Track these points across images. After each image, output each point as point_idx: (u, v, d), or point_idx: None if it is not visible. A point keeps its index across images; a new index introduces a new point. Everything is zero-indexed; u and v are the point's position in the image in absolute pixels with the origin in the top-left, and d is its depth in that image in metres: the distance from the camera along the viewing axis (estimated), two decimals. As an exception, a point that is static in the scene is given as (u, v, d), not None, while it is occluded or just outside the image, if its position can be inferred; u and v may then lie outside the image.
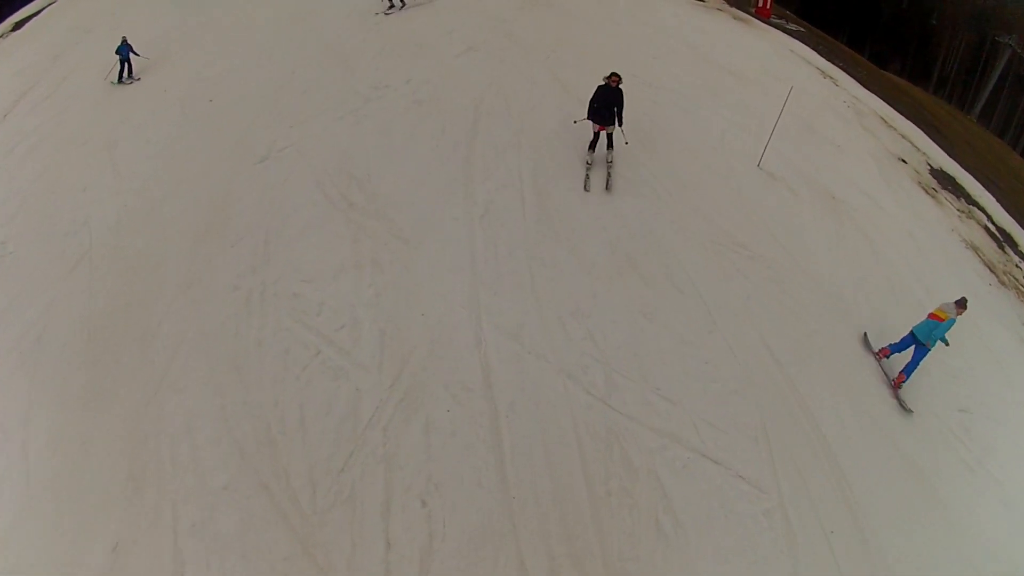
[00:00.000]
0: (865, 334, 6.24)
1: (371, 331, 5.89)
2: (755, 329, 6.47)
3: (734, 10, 16.11)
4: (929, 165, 12.82)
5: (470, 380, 5.55)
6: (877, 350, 6.10)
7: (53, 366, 6.32)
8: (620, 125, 8.09)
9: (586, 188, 8.03)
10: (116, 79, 11.10)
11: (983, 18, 34.72)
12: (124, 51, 11.11)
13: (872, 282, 7.60)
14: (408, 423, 5.25)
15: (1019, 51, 31.48)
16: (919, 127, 14.32)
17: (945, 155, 13.78)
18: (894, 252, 8.87)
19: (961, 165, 13.76)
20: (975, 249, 10.69)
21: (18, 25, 14.42)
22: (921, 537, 5.15)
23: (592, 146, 8.35)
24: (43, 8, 14.77)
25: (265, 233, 7.09)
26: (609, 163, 8.25)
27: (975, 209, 12.37)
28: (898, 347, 5.97)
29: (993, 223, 12.22)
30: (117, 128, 9.59)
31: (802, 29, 17.26)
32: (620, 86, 7.92)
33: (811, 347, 6.57)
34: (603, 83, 8.06)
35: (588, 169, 8.19)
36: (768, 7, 16.81)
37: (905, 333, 6.17)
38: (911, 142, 13.31)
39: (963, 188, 12.87)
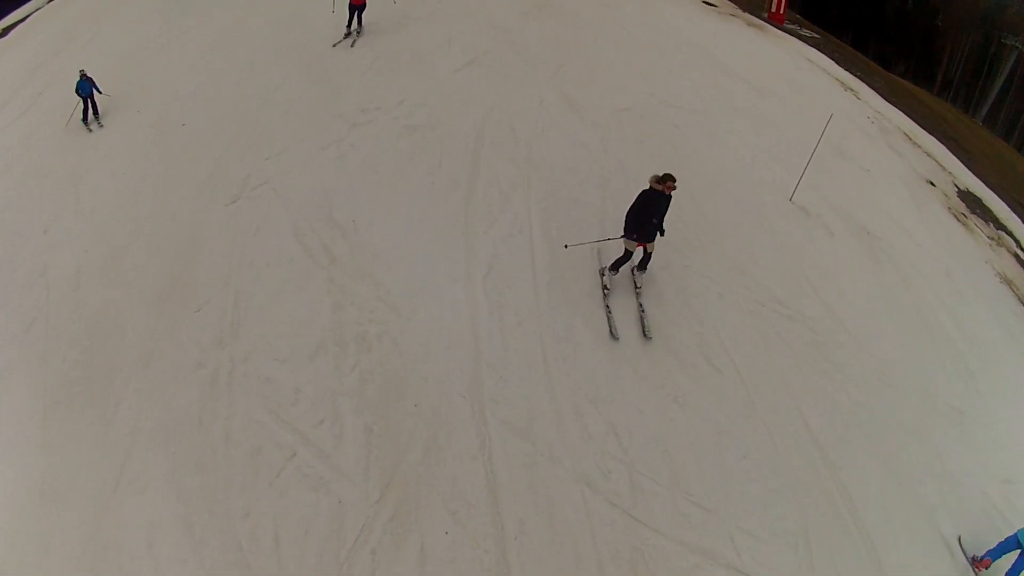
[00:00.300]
0: (959, 538, 5.25)
1: (355, 428, 5.06)
2: (796, 407, 5.70)
3: (747, 16, 15.19)
4: (956, 187, 12.12)
5: (472, 492, 4.75)
6: (971, 557, 5.18)
7: (8, 445, 5.50)
8: (663, 235, 6.22)
9: (613, 335, 5.98)
10: (82, 119, 9.58)
11: (989, 20, 33.92)
12: (85, 88, 9.49)
13: (912, 335, 6.86)
14: (399, 548, 4.46)
15: None
16: (941, 141, 13.59)
17: (970, 173, 13.09)
18: (933, 296, 8.14)
19: (985, 183, 13.06)
20: (1009, 283, 10.01)
21: (4, 32, 13.29)
22: None
23: (617, 266, 6.32)
24: (30, 14, 13.59)
25: (235, 294, 6.21)
26: (638, 291, 6.29)
27: (1004, 235, 11.70)
28: (997, 552, 5.09)
29: (1022, 249, 11.55)
30: (84, 157, 8.65)
31: (817, 36, 16.39)
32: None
33: (856, 425, 5.81)
34: (652, 188, 5.94)
35: (607, 298, 6.19)
36: (782, 12, 15.90)
37: (1006, 535, 5.23)
38: (936, 160, 12.60)
39: (991, 211, 12.20)
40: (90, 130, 9.50)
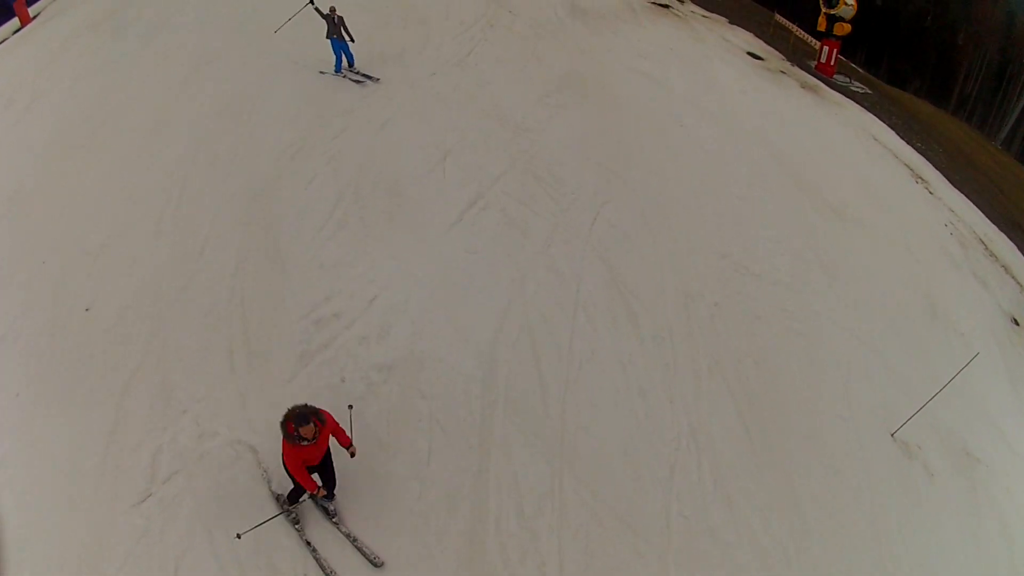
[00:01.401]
0: None
1: None
2: None
3: (797, 71, 13.04)
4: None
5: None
6: None
7: None
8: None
9: None
10: None
11: (1008, 37, 32.25)
12: None
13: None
14: None
15: None
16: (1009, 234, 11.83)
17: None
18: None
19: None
20: None
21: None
22: None
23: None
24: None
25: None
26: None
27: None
28: None
29: None
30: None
31: (868, 91, 14.37)
32: None
33: None
34: None
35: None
36: (832, 63, 13.77)
37: None
38: (1015, 277, 10.75)
39: None
40: None
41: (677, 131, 8.56)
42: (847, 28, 13.78)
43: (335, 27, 8.77)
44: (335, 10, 8.85)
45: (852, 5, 13.72)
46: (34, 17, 13.51)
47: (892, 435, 6.28)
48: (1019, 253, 11.28)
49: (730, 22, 14.53)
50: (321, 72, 9.03)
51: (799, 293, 6.83)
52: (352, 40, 8.98)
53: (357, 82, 8.93)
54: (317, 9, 8.77)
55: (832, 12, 13.53)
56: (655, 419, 4.98)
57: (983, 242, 11.12)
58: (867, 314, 7.32)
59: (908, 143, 12.94)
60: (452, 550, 4.15)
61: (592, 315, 5.59)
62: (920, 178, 11.64)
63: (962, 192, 12.22)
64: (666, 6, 13.84)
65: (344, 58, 9.04)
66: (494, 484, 4.40)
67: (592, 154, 7.61)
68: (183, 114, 8.49)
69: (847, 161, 10.17)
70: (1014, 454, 7.26)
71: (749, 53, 12.97)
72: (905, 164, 11.74)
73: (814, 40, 14.14)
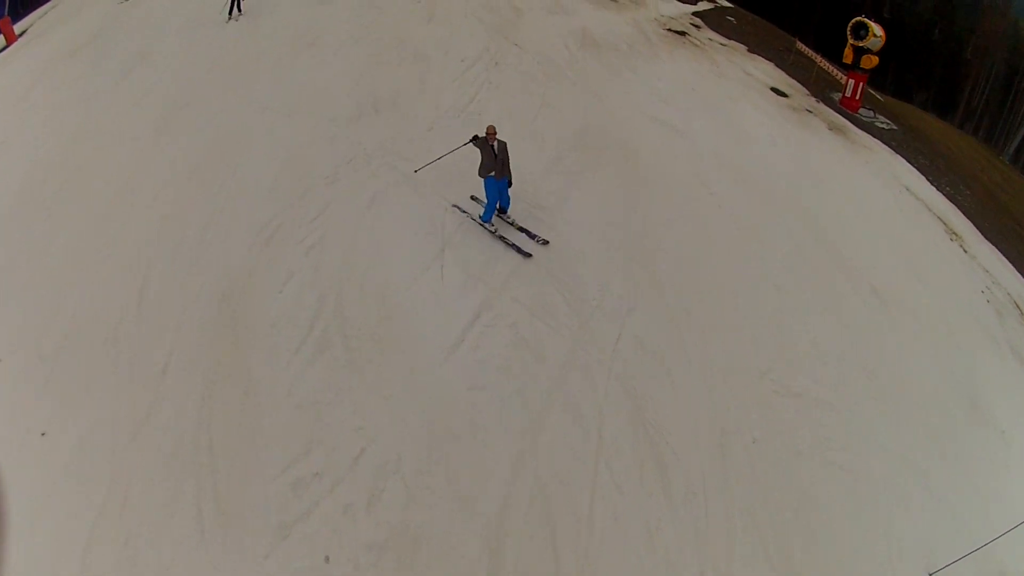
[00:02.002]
0: None
1: None
2: None
3: (823, 108, 12.13)
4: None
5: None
6: None
7: None
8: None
9: None
10: None
11: (1015, 49, 31.44)
12: None
13: None
14: None
15: None
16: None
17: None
18: None
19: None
20: None
21: None
22: None
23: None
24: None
25: None
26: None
27: None
28: None
29: None
30: None
31: (893, 126, 13.51)
32: None
33: None
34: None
35: None
36: (858, 97, 12.86)
37: None
38: None
39: None
40: None
41: (708, 200, 7.63)
42: (874, 61, 12.83)
43: (493, 159, 6.41)
44: (495, 133, 6.43)
45: (881, 36, 12.78)
46: (20, 35, 12.59)
47: None
48: None
49: (749, 50, 13.54)
50: (457, 208, 6.78)
51: (840, 412, 6.05)
52: (510, 184, 6.63)
53: (516, 248, 6.27)
54: (475, 136, 6.50)
55: (860, 44, 12.59)
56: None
57: (1018, 306, 10.44)
58: (908, 424, 6.62)
59: (937, 188, 12.20)
60: None
61: (616, 469, 4.76)
62: (954, 234, 10.88)
63: (993, 243, 11.55)
64: (683, 33, 12.82)
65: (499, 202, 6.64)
66: None
67: (615, 239, 6.67)
68: (152, 174, 7.51)
69: (884, 225, 9.36)
70: None
71: (773, 89, 12.03)
72: (938, 217, 10.97)
73: (838, 71, 13.19)
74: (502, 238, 6.44)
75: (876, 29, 12.68)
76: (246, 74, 9.45)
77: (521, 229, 6.62)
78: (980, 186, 14.32)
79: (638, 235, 6.77)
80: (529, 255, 6.25)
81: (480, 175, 6.48)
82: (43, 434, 5.09)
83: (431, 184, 7.02)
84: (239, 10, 11.07)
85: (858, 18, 12.70)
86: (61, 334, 5.77)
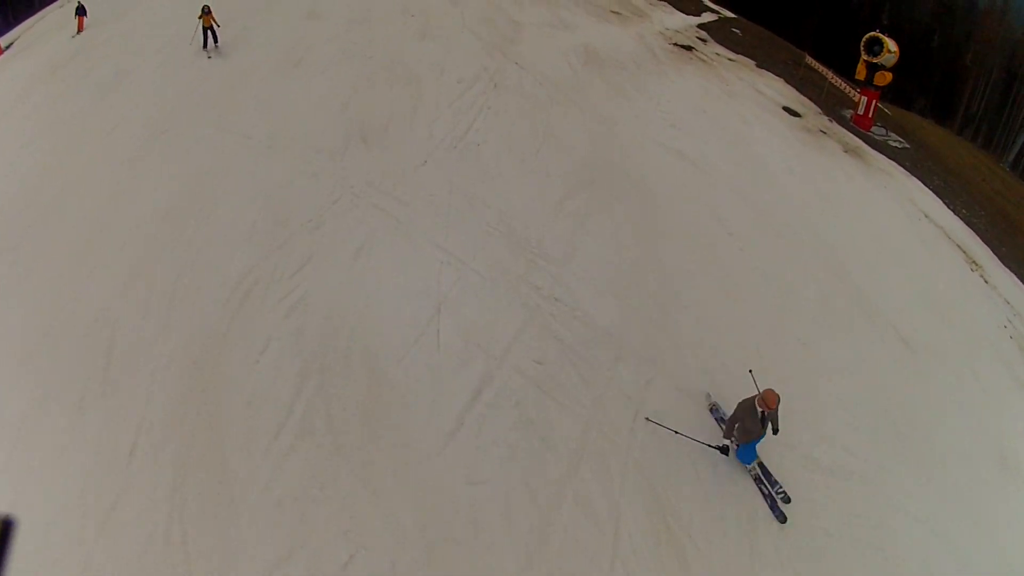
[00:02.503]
0: None
1: None
2: None
3: (837, 128, 11.64)
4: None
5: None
6: None
7: None
8: None
9: None
10: None
11: (1014, 55, 31.17)
12: None
13: None
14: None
15: None
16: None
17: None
18: None
19: None
20: None
21: None
22: None
23: None
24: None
25: None
26: None
27: None
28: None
29: None
30: None
31: (905, 144, 13.07)
32: None
33: None
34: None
35: None
36: (871, 116, 12.39)
37: None
38: None
39: None
40: None
41: (727, 243, 7.08)
42: (888, 77, 12.34)
43: (760, 427, 4.89)
44: (776, 403, 4.83)
45: (895, 52, 12.31)
46: (6, 48, 12.09)
47: None
48: None
49: (757, 65, 13.00)
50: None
51: (871, 484, 5.56)
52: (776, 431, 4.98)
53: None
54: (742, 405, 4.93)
55: (874, 61, 12.07)
56: None
57: None
58: (939, 490, 6.15)
59: (953, 211, 11.76)
60: None
61: (633, 570, 4.25)
62: (974, 263, 10.44)
63: (1011, 270, 11.17)
64: (689, 47, 12.26)
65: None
66: None
67: (628, 294, 6.11)
68: (124, 215, 6.90)
69: (906, 259, 8.89)
70: None
71: (785, 108, 11.50)
72: (958, 246, 10.53)
73: (850, 88, 12.67)
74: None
75: (891, 44, 12.19)
76: (228, 98, 8.82)
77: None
78: (992, 205, 13.91)
79: (655, 291, 6.21)
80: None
81: (735, 440, 4.88)
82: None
83: (424, 230, 6.44)
84: (215, 42, 9.97)
85: (872, 34, 12.18)
86: (25, 402, 5.21)
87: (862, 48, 12.21)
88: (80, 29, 11.82)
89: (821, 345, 6.41)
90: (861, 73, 12.43)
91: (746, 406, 4.84)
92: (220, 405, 4.92)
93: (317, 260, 5.97)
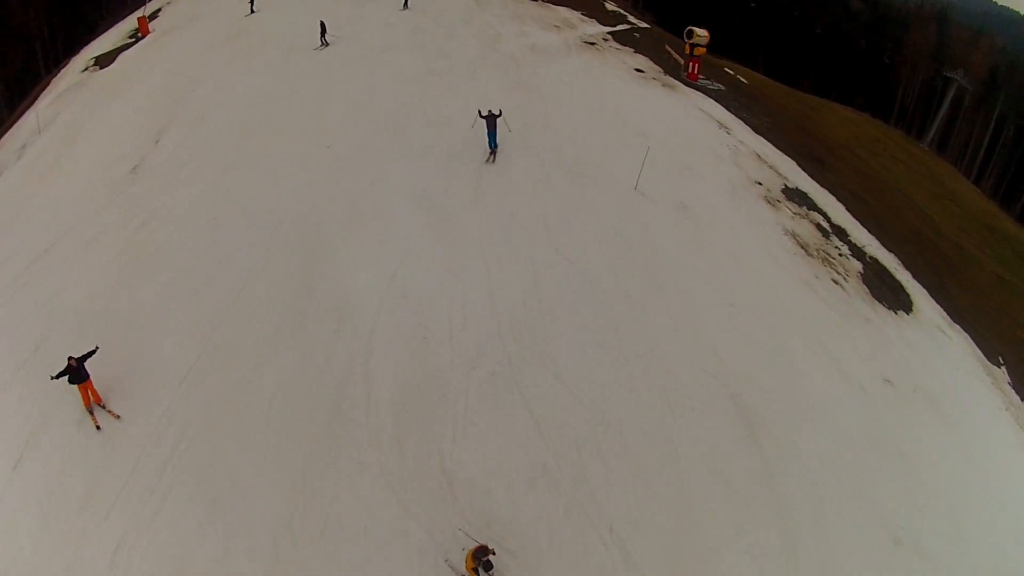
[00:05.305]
0: None
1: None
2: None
3: (669, 80, 22.40)
4: (785, 185, 18.42)
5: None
6: None
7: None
8: None
9: None
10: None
11: (934, 56, 40.04)
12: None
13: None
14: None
15: (965, 84, 36.69)
16: (796, 159, 19.89)
17: (806, 176, 19.28)
18: (720, 243, 14.62)
19: (821, 184, 19.24)
20: (793, 235, 16.14)
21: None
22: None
23: None
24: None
25: None
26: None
27: (815, 212, 17.81)
28: None
29: (830, 222, 17.68)
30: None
31: (722, 88, 23.06)
32: None
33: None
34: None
35: None
36: (696, 72, 22.96)
37: None
38: (776, 170, 18.85)
39: (811, 199, 18.33)
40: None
41: (579, 115, 18.35)
42: (702, 51, 22.96)
43: None
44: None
45: (705, 35, 22.87)
46: (151, 18, 25.84)
47: (635, 187, 15.40)
48: (798, 166, 19.52)
49: (635, 51, 24.21)
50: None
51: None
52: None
53: None
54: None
55: (691, 42, 22.86)
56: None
57: (760, 156, 19.62)
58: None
59: (729, 110, 21.53)
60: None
61: None
62: (726, 128, 20.41)
63: (761, 135, 20.75)
64: (593, 44, 23.86)
65: None
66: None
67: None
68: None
69: (676, 125, 19.41)
70: (717, 212, 15.83)
71: (636, 70, 22.52)
72: (715, 120, 20.54)
73: (681, 59, 23.33)
74: None
75: (700, 31, 22.83)
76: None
77: None
78: (778, 114, 23.35)
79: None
80: None
81: None
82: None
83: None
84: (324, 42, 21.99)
85: (688, 27, 22.98)
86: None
87: (684, 35, 22.95)
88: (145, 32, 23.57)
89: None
90: (687, 49, 23.04)
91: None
92: None
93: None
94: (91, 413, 9.40)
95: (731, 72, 25.29)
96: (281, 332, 10.49)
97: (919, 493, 10.25)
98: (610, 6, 28.88)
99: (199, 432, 9.22)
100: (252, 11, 24.65)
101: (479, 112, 14.62)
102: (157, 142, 16.78)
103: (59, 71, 24.45)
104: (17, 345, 10.65)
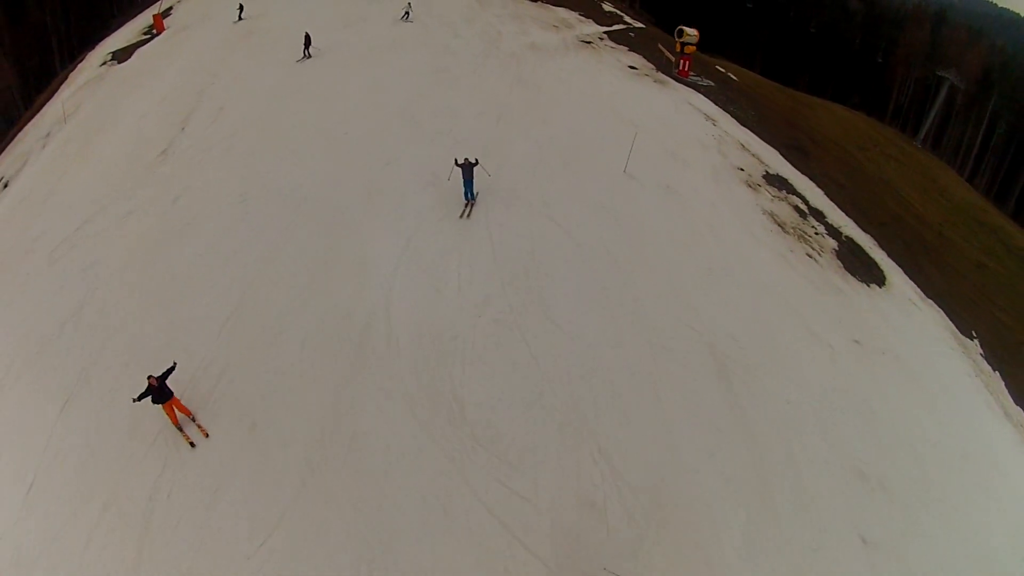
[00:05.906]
0: None
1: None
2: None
3: (661, 76, 23.83)
4: (766, 171, 19.74)
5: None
6: None
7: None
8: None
9: None
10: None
11: (927, 56, 41.37)
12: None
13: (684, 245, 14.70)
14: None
15: (957, 84, 37.94)
16: (779, 149, 21.17)
17: (788, 165, 20.59)
18: (701, 220, 15.99)
19: (801, 171, 20.56)
20: (771, 214, 17.43)
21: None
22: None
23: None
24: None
25: None
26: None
27: (794, 196, 19.08)
28: None
29: (808, 205, 18.94)
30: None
31: (712, 84, 24.56)
32: None
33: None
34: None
35: None
36: (687, 70, 24.40)
37: None
38: (758, 157, 20.15)
39: (791, 184, 19.58)
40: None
41: (574, 107, 19.73)
42: (692, 49, 24.38)
43: None
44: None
45: (695, 34, 24.31)
46: (165, 16, 27.31)
47: (624, 171, 16.77)
48: (780, 156, 20.90)
49: (629, 50, 25.68)
50: None
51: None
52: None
53: None
54: None
55: (682, 40, 24.34)
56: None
57: (743, 145, 21.00)
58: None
59: (718, 104, 22.98)
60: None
61: None
62: (712, 120, 21.82)
63: (746, 127, 22.18)
64: (589, 42, 25.36)
65: None
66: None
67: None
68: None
69: (665, 118, 20.82)
70: (700, 194, 17.21)
71: (630, 67, 23.96)
72: (705, 114, 21.99)
73: (673, 57, 24.78)
74: None
75: (690, 31, 24.32)
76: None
77: None
78: (766, 108, 24.78)
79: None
80: None
81: None
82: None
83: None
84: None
85: (679, 27, 24.47)
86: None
87: (675, 34, 24.45)
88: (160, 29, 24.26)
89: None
90: (678, 47, 24.42)
91: None
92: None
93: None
94: (181, 430, 9.21)
95: (722, 69, 26.68)
96: (310, 288, 11.74)
97: (884, 436, 11.13)
98: (607, 7, 30.44)
99: (238, 372, 10.46)
100: (240, 18, 25.16)
101: (455, 161, 13.70)
102: (183, 129, 18.04)
103: (76, 65, 25.80)
104: (62, 304, 11.86)
